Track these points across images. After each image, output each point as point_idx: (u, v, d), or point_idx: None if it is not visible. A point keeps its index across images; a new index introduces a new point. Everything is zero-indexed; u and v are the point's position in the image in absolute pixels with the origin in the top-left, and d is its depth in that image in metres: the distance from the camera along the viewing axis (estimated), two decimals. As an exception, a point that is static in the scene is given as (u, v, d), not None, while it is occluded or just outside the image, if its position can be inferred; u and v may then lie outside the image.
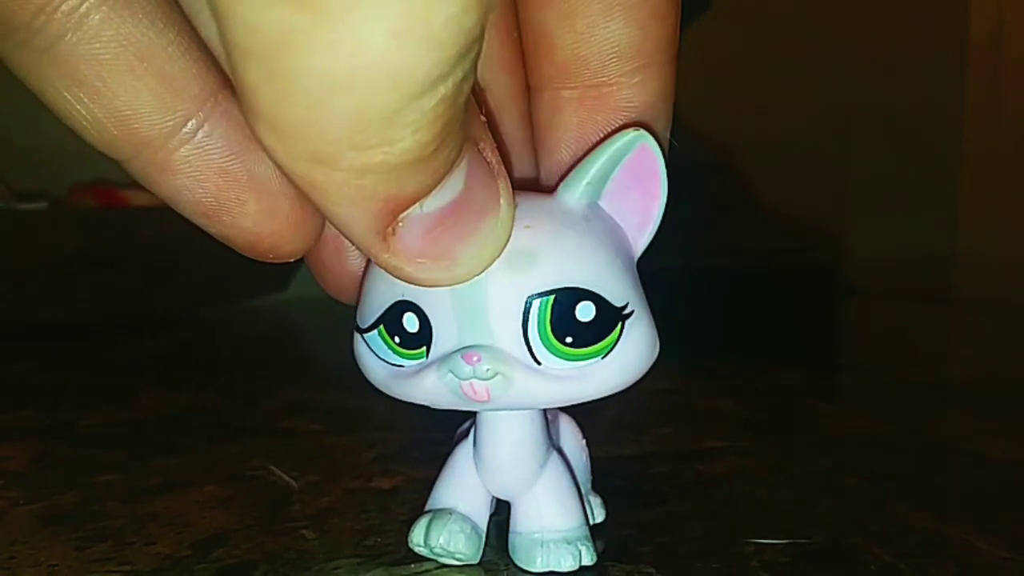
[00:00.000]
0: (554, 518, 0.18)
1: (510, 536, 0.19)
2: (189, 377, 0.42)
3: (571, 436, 0.21)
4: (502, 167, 0.14)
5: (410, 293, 0.16)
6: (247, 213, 0.15)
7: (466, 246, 0.14)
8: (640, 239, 0.17)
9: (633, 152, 0.16)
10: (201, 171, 0.15)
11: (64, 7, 0.13)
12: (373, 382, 0.17)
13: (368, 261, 0.17)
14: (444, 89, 0.11)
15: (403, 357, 0.16)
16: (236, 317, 0.59)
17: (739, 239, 0.55)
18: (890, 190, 0.77)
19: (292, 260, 0.17)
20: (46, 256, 0.52)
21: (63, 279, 0.51)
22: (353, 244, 0.14)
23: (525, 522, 0.18)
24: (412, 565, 0.19)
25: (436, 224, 0.13)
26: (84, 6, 0.13)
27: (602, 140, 0.16)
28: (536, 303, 0.15)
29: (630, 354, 0.16)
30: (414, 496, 0.22)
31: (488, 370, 0.15)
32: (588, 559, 0.18)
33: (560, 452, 0.19)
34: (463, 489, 0.19)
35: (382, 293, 0.16)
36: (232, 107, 0.15)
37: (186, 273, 0.53)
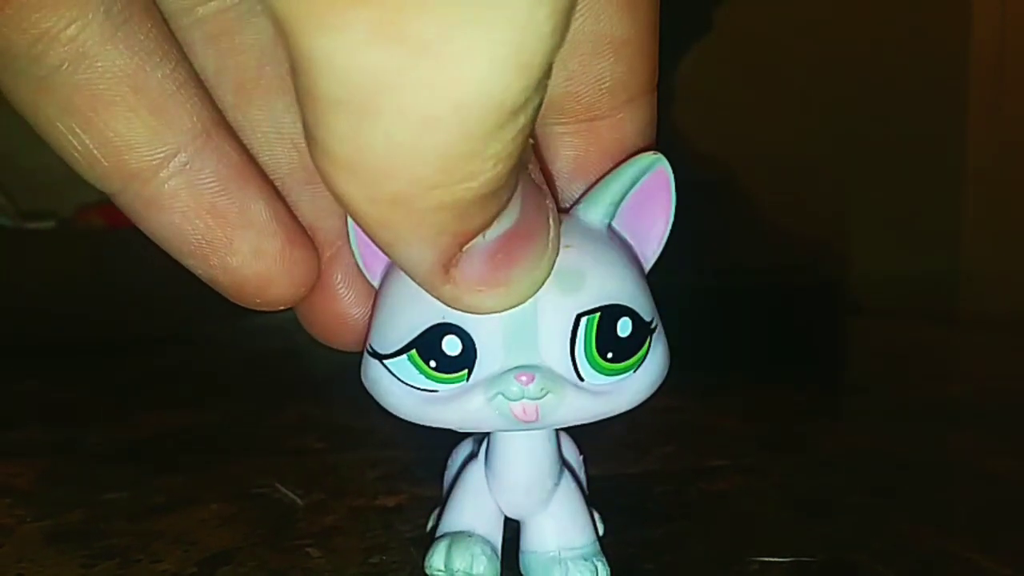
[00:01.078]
0: (570, 535, 0.18)
1: (523, 556, 0.19)
2: (195, 395, 0.42)
3: (570, 452, 0.21)
4: (546, 188, 0.15)
5: (452, 316, 0.15)
6: (235, 252, 0.15)
7: (523, 271, 0.14)
8: (648, 256, 0.17)
9: (651, 174, 0.16)
10: (190, 207, 0.15)
11: (62, 37, 0.13)
12: (394, 409, 0.17)
13: (384, 286, 0.17)
14: (524, 117, 0.11)
15: (439, 382, 0.16)
16: (241, 336, 0.59)
17: (741, 257, 0.55)
18: (893, 206, 0.77)
19: (281, 308, 0.16)
20: (53, 275, 0.52)
21: (69, 297, 0.52)
22: (413, 278, 0.14)
23: (540, 541, 0.18)
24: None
25: (496, 251, 0.13)
26: (81, 36, 0.13)
27: (615, 165, 0.17)
28: (584, 321, 0.15)
29: (655, 366, 0.17)
30: (418, 514, 0.23)
31: (541, 389, 0.15)
32: (604, 574, 0.18)
33: (569, 469, 0.19)
34: (478, 511, 0.19)
35: (412, 316, 0.16)
36: (225, 143, 0.15)
37: (191, 292, 0.53)
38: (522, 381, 0.15)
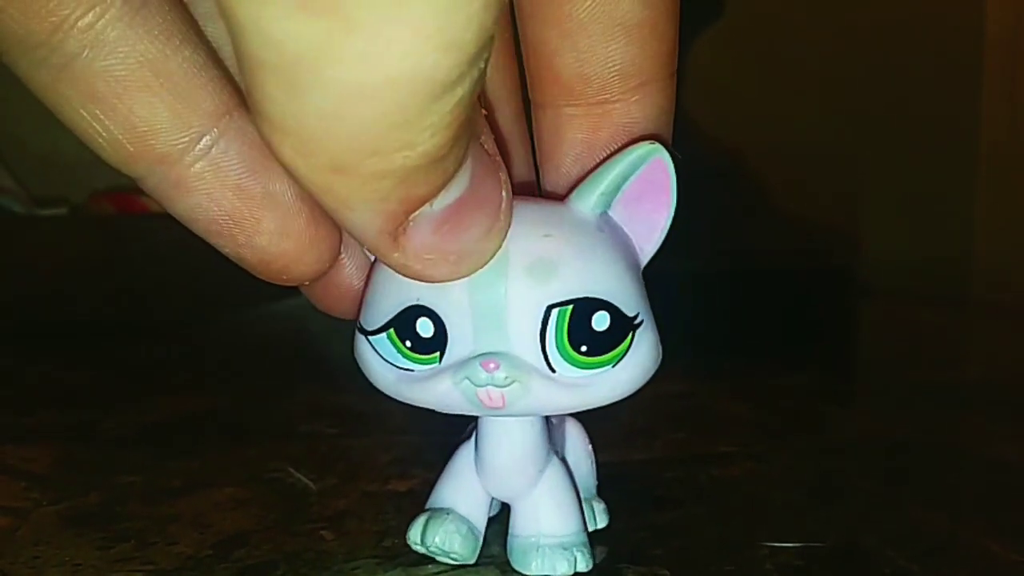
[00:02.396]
0: (551, 523, 0.18)
1: (508, 538, 0.19)
2: (208, 380, 0.42)
3: (578, 441, 0.21)
4: (500, 159, 0.15)
5: (426, 298, 0.16)
6: (261, 232, 0.15)
7: (473, 240, 0.14)
8: (647, 248, 0.17)
9: (647, 164, 0.16)
10: (216, 188, 0.15)
11: (81, 24, 0.13)
12: (377, 385, 0.17)
13: (375, 264, 0.17)
14: (462, 90, 0.11)
15: (413, 361, 0.16)
16: (254, 321, 0.59)
17: (753, 241, 0.55)
18: (905, 191, 0.76)
19: (306, 283, 0.17)
20: (66, 261, 0.52)
21: (83, 283, 0.52)
22: (362, 245, 0.14)
23: (523, 525, 0.19)
24: (430, 566, 0.19)
25: (444, 220, 0.13)
26: (100, 23, 0.13)
27: (614, 152, 0.16)
28: (555, 312, 0.15)
29: (637, 362, 0.16)
30: (431, 498, 0.23)
31: (506, 377, 0.15)
32: (583, 566, 0.18)
33: (563, 458, 0.20)
34: (463, 490, 0.19)
35: (392, 296, 0.16)
36: (247, 124, 0.15)
37: (204, 277, 0.53)
38: (488, 368, 0.15)
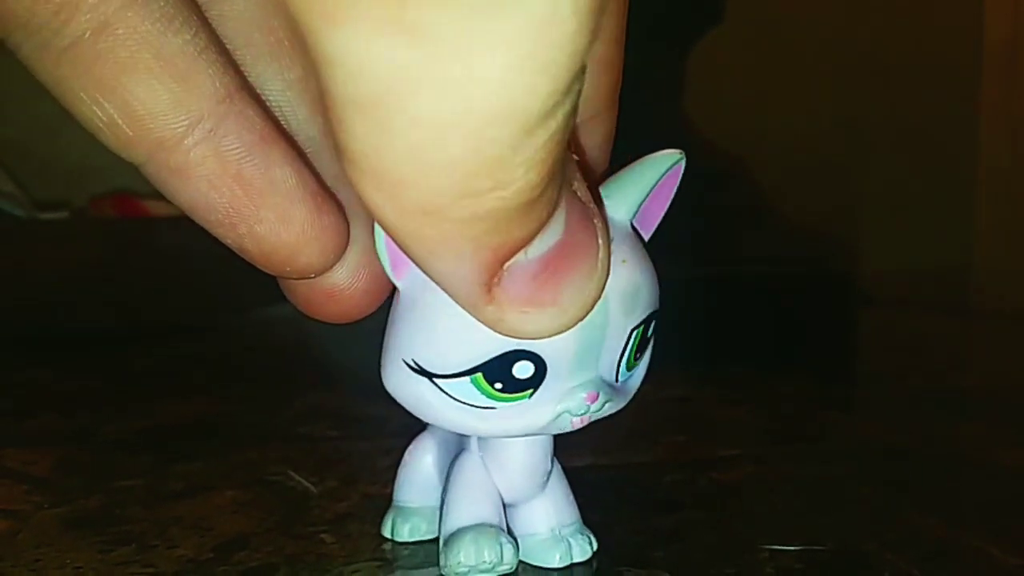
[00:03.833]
0: (564, 514, 0.19)
1: (519, 539, 0.19)
2: (208, 384, 0.42)
3: None
4: (594, 204, 0.14)
5: (529, 343, 0.15)
6: (262, 220, 0.15)
7: (571, 290, 0.13)
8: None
9: (673, 170, 0.17)
10: (215, 174, 0.15)
11: (83, 6, 0.13)
12: (432, 420, 0.17)
13: (428, 296, 0.15)
14: (555, 123, 0.10)
15: (500, 400, 0.16)
16: (254, 325, 0.59)
17: (753, 248, 0.55)
18: (905, 199, 0.76)
19: (312, 276, 0.16)
20: (67, 265, 0.52)
21: (84, 287, 0.52)
22: (454, 298, 0.13)
23: (536, 522, 0.19)
24: (430, 569, 0.19)
25: (541, 271, 0.13)
26: (103, 6, 0.13)
27: (635, 158, 0.17)
28: (634, 333, 0.16)
29: (645, 360, 0.17)
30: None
31: (604, 404, 0.16)
32: (595, 545, 0.19)
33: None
34: (487, 502, 0.19)
35: (480, 342, 0.15)
36: (247, 108, 0.15)
37: (205, 281, 0.53)
38: (590, 399, 0.16)
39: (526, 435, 0.17)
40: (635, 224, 0.17)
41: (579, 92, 0.10)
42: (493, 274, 0.12)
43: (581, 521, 0.19)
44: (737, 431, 0.33)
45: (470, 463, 0.19)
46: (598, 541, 0.19)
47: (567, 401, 0.16)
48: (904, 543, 0.21)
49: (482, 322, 0.13)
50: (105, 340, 0.52)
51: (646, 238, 0.17)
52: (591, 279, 0.13)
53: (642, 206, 0.17)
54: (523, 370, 0.15)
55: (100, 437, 0.32)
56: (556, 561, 0.19)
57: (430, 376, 0.16)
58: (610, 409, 0.17)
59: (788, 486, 0.26)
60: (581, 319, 0.14)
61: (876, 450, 0.31)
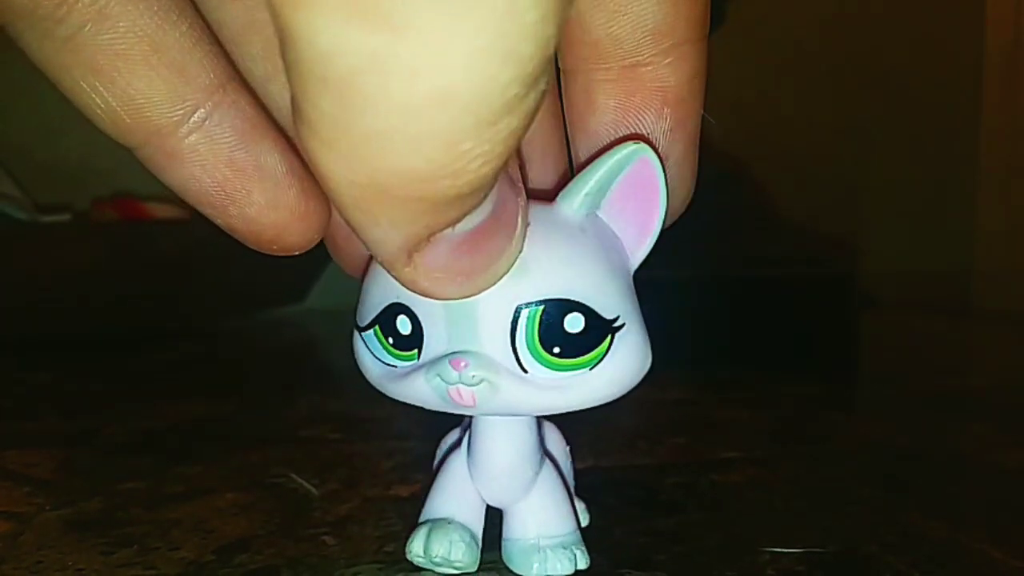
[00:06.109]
0: (550, 524, 0.19)
1: (504, 543, 0.19)
2: (210, 387, 0.42)
3: (555, 442, 0.21)
4: (522, 185, 0.14)
5: (404, 296, 0.16)
6: (252, 203, 0.16)
7: (484, 264, 0.14)
8: (638, 250, 0.17)
9: (633, 164, 0.16)
10: (209, 160, 0.15)
11: None
12: (368, 380, 0.18)
13: (369, 260, 0.17)
14: (515, 119, 0.10)
15: (395, 357, 0.17)
16: (255, 328, 0.60)
17: (755, 250, 0.55)
18: (907, 201, 0.77)
19: (296, 253, 0.17)
20: (69, 267, 0.52)
21: (85, 290, 0.52)
22: (375, 256, 0.14)
23: (521, 529, 0.19)
24: (431, 572, 0.19)
25: (462, 243, 0.13)
26: None
27: (600, 152, 0.16)
28: (525, 312, 0.15)
29: (618, 367, 0.16)
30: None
31: (474, 376, 0.15)
32: (583, 563, 0.18)
33: (551, 458, 0.20)
34: (459, 498, 0.19)
35: (378, 294, 0.16)
36: (240, 98, 0.15)
37: (206, 284, 0.53)
38: (457, 366, 0.16)
39: (419, 404, 0.17)
40: (614, 228, 0.17)
41: (544, 90, 0.10)
42: (419, 243, 0.13)
43: (576, 534, 0.19)
44: (738, 433, 0.33)
45: (455, 460, 0.19)
46: (598, 543, 0.19)
47: (438, 365, 0.16)
48: (906, 545, 0.21)
49: (398, 282, 0.14)
50: (107, 342, 0.52)
51: (646, 239, 0.17)
52: (503, 254, 0.14)
53: (607, 201, 0.16)
54: (403, 325, 0.16)
55: (102, 439, 0.32)
56: (534, 570, 0.18)
57: (358, 330, 0.17)
58: (516, 401, 0.16)
59: (790, 488, 0.26)
60: (486, 288, 0.15)
61: (878, 452, 0.31)
